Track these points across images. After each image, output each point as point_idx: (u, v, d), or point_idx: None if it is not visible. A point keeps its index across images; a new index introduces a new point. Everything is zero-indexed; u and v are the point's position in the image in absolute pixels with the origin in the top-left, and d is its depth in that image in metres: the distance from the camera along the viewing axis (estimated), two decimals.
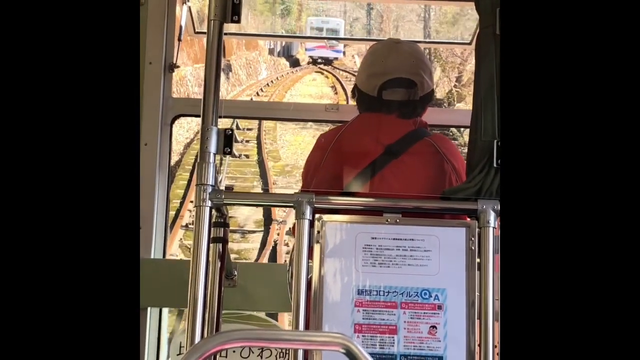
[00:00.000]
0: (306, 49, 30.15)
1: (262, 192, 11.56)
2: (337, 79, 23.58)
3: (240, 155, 13.62)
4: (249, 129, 16.30)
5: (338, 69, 27.53)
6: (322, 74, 27.02)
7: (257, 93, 21.71)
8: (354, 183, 2.37)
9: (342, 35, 27.66)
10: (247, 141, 15.35)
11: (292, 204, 2.10)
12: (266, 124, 16.43)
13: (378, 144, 2.42)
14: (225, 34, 2.19)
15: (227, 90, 21.67)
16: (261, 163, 13.98)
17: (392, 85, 2.50)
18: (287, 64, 32.03)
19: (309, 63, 30.28)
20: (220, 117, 2.11)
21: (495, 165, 2.11)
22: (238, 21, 2.16)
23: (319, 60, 29.39)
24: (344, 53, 30.77)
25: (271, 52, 32.68)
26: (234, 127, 16.43)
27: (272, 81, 25.70)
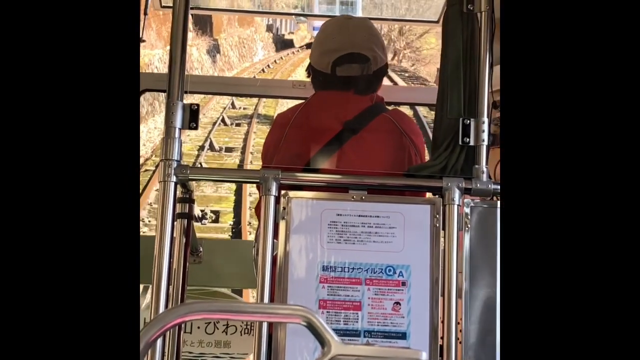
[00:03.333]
0: (314, 28, 25.72)
1: (227, 168, 11.49)
2: None
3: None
4: (245, 108, 16.14)
5: None
6: None
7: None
8: (315, 160, 2.38)
9: (359, 10, 24.06)
10: (238, 125, 15.24)
11: (257, 180, 2.10)
12: (265, 102, 16.25)
13: (336, 121, 2.43)
14: (192, 8, 2.18)
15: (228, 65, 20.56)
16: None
17: (346, 61, 2.49)
18: (274, 46, 27.76)
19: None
20: (185, 92, 2.10)
21: (460, 143, 2.13)
22: None
23: None
24: None
25: (269, 28, 28.73)
26: (229, 106, 16.27)
27: (268, 65, 23.22)
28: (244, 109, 16.44)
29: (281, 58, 25.18)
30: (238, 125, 15.43)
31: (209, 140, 13.68)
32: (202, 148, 13.35)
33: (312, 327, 0.94)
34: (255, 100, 16.34)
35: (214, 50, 20.82)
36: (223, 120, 15.35)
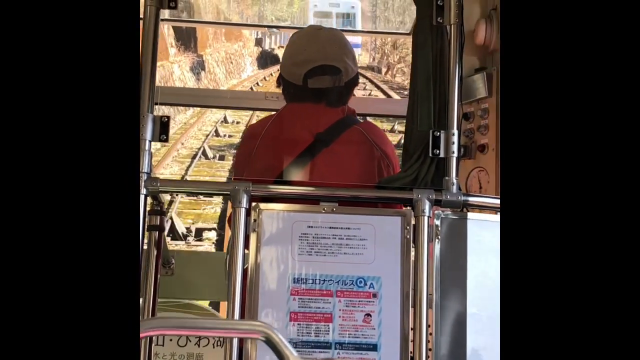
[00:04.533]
0: None
1: (198, 180, 11.36)
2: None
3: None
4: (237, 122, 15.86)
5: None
6: None
7: None
8: (286, 172, 2.39)
9: (358, 24, 21.21)
10: (231, 136, 14.98)
11: (228, 192, 2.10)
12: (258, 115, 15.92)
13: (308, 133, 2.44)
14: (162, 20, 2.19)
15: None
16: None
17: (317, 73, 2.51)
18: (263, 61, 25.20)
19: None
20: (156, 103, 2.10)
21: (430, 154, 2.15)
22: (175, 7, 2.15)
23: None
24: (369, 49, 24.20)
25: (258, 42, 26.39)
26: (223, 119, 15.96)
27: (257, 83, 21.22)
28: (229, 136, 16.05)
29: (271, 74, 23.18)
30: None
31: (202, 148, 13.57)
32: (195, 156, 13.22)
33: (270, 343, 0.95)
34: (241, 127, 16.05)
35: (198, 67, 19.39)
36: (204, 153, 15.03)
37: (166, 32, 16.30)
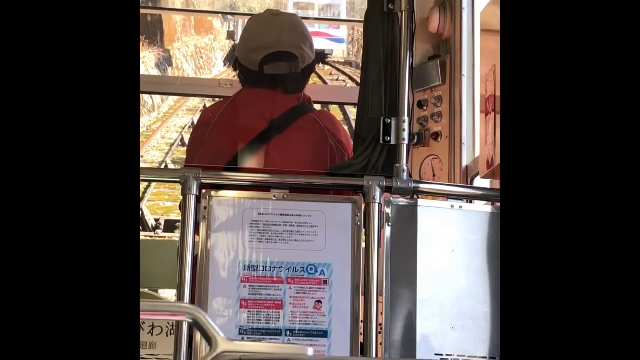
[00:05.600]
0: None
1: (148, 167, 10.89)
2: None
3: None
4: None
5: (335, 67, 16.39)
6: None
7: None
8: (239, 158, 2.38)
9: (343, 15, 17.34)
10: None
11: (178, 180, 2.10)
12: None
13: (262, 119, 2.44)
14: None
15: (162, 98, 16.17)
16: None
17: (273, 59, 2.50)
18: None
19: None
20: None
21: (381, 141, 2.16)
22: None
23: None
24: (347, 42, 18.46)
25: (230, 36, 24.39)
26: (190, 124, 15.10)
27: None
28: None
29: None
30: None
31: (164, 164, 12.09)
32: (173, 144, 12.30)
33: (197, 324, 0.95)
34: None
35: (165, 63, 17.37)
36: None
37: None
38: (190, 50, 19.40)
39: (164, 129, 13.60)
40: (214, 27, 20.99)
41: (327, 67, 16.26)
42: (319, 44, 15.20)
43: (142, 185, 9.40)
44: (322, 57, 15.40)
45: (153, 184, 9.59)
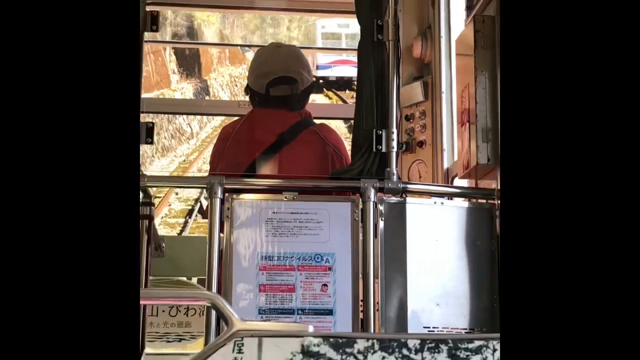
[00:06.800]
0: (317, 67, 15.97)
1: (179, 175, 9.96)
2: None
3: None
4: None
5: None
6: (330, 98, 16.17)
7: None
8: (253, 167, 2.38)
9: None
10: None
11: (205, 186, 2.09)
12: None
13: (271, 133, 2.43)
14: (146, 41, 2.16)
15: (202, 122, 14.91)
16: None
17: (277, 83, 2.50)
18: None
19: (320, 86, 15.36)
20: (142, 112, 2.07)
21: (374, 150, 2.14)
22: (156, 30, 2.12)
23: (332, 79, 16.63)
24: None
25: None
26: None
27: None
28: None
29: None
30: None
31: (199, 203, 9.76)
32: (190, 213, 9.45)
33: (216, 308, 0.94)
34: None
35: (202, 92, 16.30)
36: None
37: (167, 58, 14.76)
38: (226, 79, 19.23)
39: (200, 160, 12.11)
40: (246, 58, 20.78)
41: (347, 91, 15.84)
42: (346, 71, 15.39)
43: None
44: (349, 83, 15.58)
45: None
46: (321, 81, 14.92)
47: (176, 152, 12.63)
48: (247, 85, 2.62)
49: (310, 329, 0.93)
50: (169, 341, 2.83)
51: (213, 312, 1.97)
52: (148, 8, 2.12)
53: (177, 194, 9.71)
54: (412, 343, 0.93)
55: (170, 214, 9.29)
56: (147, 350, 2.28)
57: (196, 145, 13.44)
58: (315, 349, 0.89)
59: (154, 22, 2.10)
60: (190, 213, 9.13)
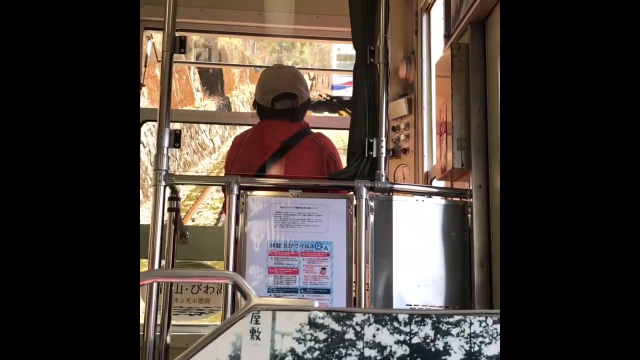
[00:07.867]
0: (332, 87, 14.62)
1: (201, 175, 9.80)
2: None
3: None
4: None
5: None
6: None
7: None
8: (262, 169, 2.40)
9: None
10: None
11: (224, 183, 2.10)
12: None
13: (277, 141, 2.45)
14: (176, 62, 2.17)
15: (224, 137, 13.73)
16: None
17: (280, 98, 2.51)
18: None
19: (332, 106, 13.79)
20: (171, 121, 2.09)
21: (366, 155, 2.15)
22: (184, 52, 2.13)
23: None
24: None
25: None
26: None
27: None
28: None
29: None
30: None
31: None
32: None
33: (237, 285, 0.95)
34: None
35: (224, 108, 15.29)
36: None
37: (192, 77, 13.85)
38: (246, 96, 17.79)
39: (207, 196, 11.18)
40: None
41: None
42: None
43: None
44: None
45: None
46: (335, 100, 13.85)
47: (197, 167, 11.90)
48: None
49: (316, 304, 0.95)
50: (191, 314, 2.85)
51: (229, 291, 1.97)
52: (177, 34, 2.13)
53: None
54: (402, 317, 0.94)
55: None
56: (173, 322, 2.28)
57: (217, 161, 12.47)
58: (320, 321, 0.90)
59: (182, 46, 2.11)
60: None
